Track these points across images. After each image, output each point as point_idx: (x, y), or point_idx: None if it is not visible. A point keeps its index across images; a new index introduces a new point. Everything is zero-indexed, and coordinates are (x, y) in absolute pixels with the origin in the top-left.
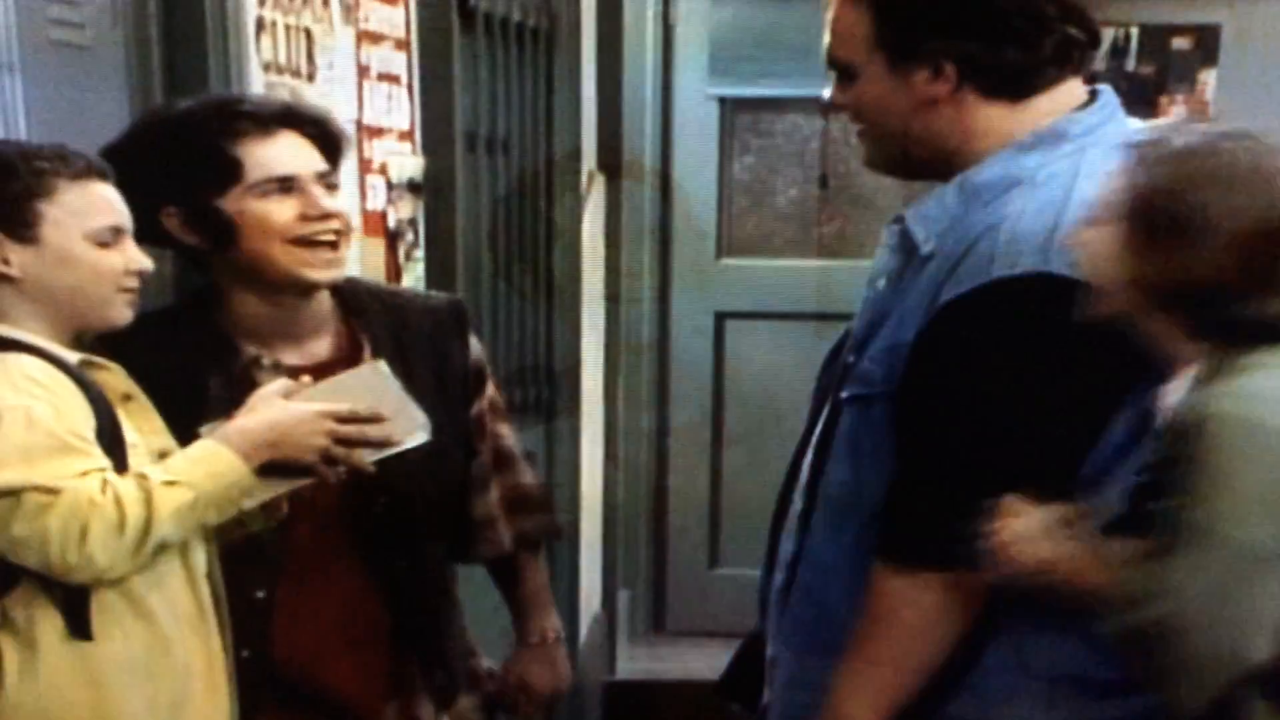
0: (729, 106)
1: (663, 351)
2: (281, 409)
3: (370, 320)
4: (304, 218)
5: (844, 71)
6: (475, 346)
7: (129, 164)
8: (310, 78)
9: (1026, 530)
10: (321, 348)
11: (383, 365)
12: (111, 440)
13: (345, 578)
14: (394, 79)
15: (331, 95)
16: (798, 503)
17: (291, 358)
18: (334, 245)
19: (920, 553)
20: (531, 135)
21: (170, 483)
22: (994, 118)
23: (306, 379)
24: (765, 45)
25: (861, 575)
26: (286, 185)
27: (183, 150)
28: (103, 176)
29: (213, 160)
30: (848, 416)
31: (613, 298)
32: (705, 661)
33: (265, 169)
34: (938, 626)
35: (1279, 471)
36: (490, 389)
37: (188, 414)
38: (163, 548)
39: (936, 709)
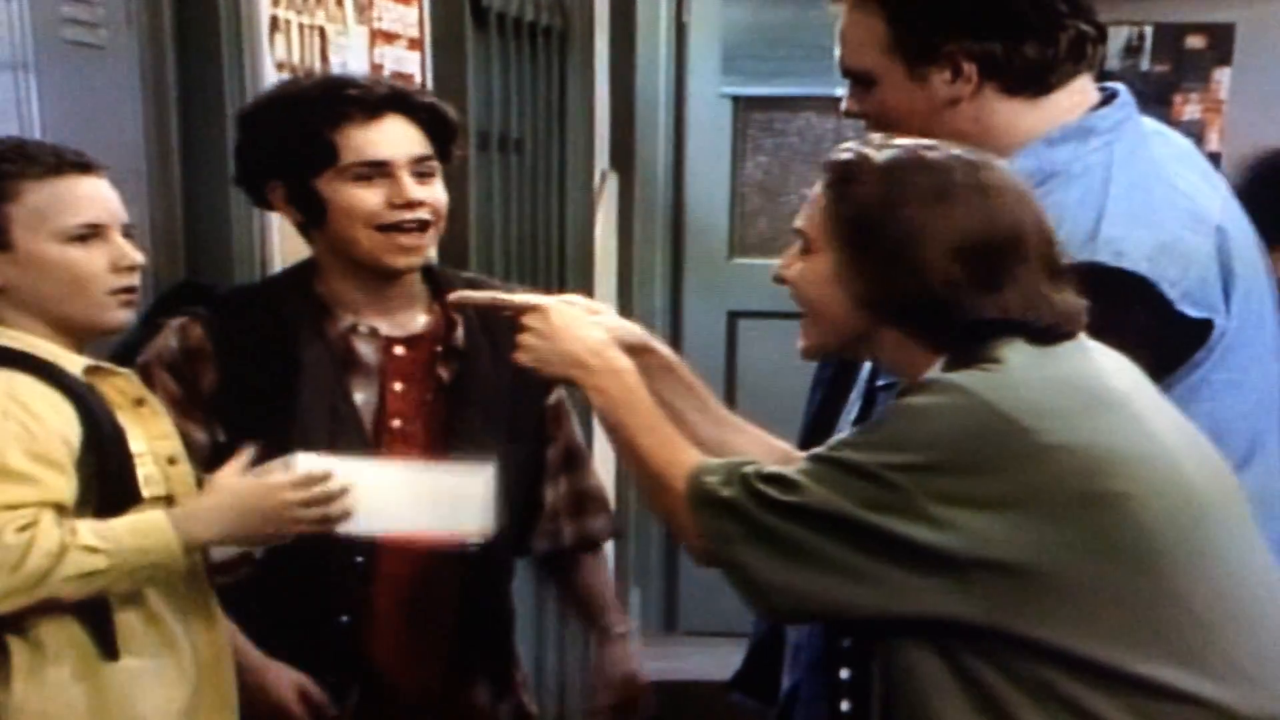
0: (742, 105)
1: (675, 351)
2: (236, 490)
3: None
4: (390, 205)
5: (860, 79)
6: None
7: (247, 135)
8: None
9: (561, 325)
10: (416, 322)
11: (490, 469)
12: (114, 448)
13: (427, 556)
14: (407, 78)
15: None
16: None
17: (386, 328)
18: (419, 232)
19: None
20: (544, 134)
21: (92, 549)
22: (1017, 114)
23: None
24: (778, 44)
25: None
26: (378, 170)
27: (287, 130)
28: (79, 169)
29: (312, 142)
30: (882, 403)
31: (625, 297)
32: (717, 661)
33: (358, 153)
34: None
35: (981, 444)
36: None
37: (285, 377)
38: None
39: None
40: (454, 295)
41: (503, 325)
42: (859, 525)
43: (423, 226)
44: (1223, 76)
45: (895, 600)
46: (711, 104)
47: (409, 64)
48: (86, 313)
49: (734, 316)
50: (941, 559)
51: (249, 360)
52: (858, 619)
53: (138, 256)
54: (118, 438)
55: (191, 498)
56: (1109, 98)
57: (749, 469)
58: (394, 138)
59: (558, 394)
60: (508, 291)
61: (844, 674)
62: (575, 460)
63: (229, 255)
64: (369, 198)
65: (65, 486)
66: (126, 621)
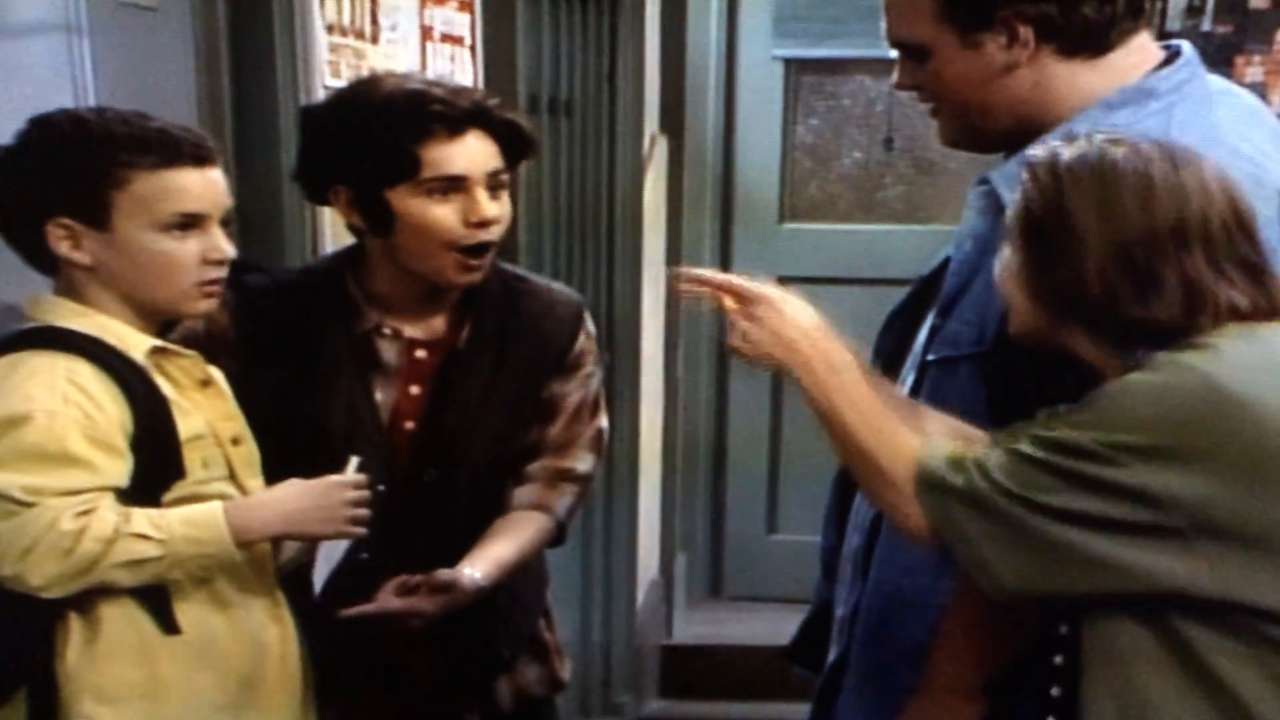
0: (793, 68)
1: (723, 317)
2: (296, 487)
3: (484, 300)
4: (465, 223)
5: (910, 51)
6: (582, 341)
7: (319, 136)
8: (374, 39)
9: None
10: (440, 324)
11: None
12: (158, 440)
13: (435, 494)
14: (457, 40)
15: (394, 57)
16: None
17: (411, 330)
18: (488, 253)
19: None
20: (594, 97)
21: (144, 537)
22: (1075, 76)
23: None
24: (830, 5)
25: None
26: (454, 185)
27: (368, 139)
28: (195, 162)
29: (394, 156)
30: (933, 378)
31: (674, 261)
32: (762, 627)
33: (438, 168)
34: None
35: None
36: (583, 381)
37: (305, 373)
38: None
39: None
40: (677, 272)
41: (518, 321)
42: (1087, 510)
43: (490, 244)
44: None
45: (1125, 580)
46: (763, 66)
47: (459, 26)
48: (170, 300)
49: (783, 282)
50: (1169, 535)
51: (269, 352)
52: (1082, 598)
53: (230, 250)
54: (162, 422)
55: (254, 478)
56: (1171, 56)
57: (975, 456)
58: (473, 154)
59: (563, 388)
60: (542, 285)
61: (1058, 659)
62: (565, 444)
63: (280, 219)
64: (445, 215)
65: (123, 470)
66: (188, 601)
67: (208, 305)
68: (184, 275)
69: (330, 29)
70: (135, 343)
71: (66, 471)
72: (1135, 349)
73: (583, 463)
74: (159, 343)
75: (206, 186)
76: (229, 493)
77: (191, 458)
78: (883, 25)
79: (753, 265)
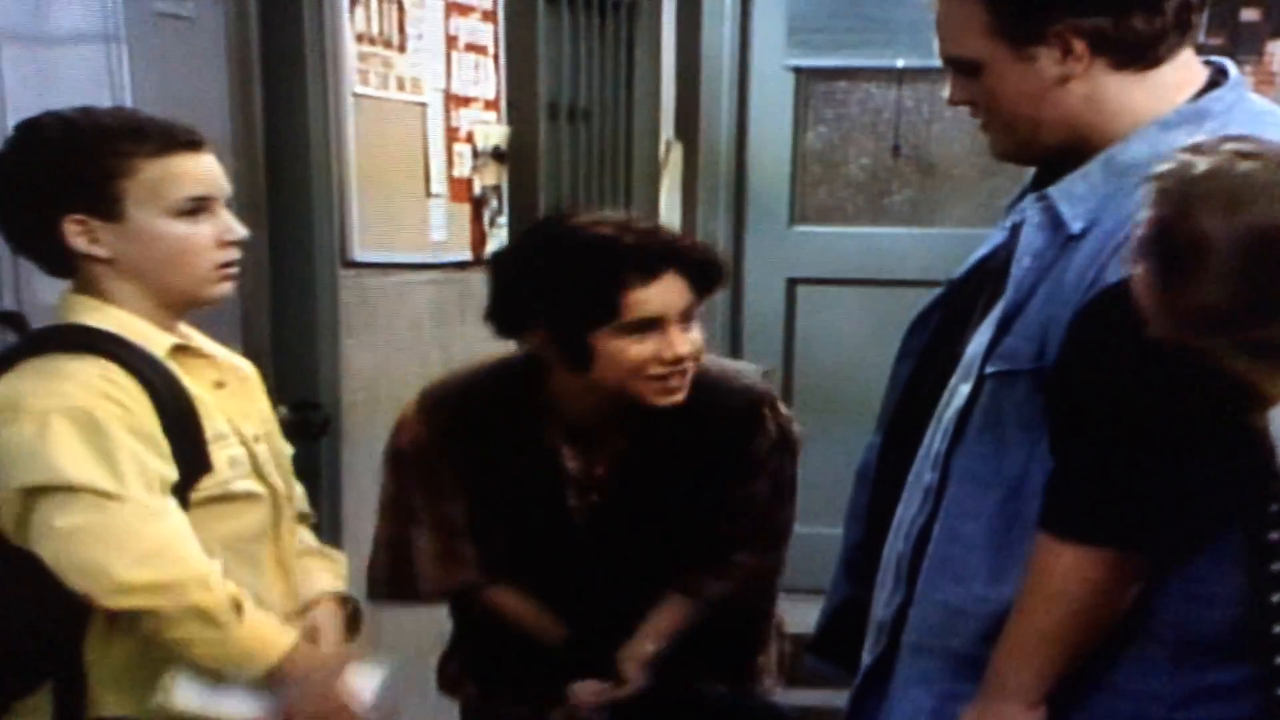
0: (804, 77)
1: (735, 316)
2: (332, 694)
3: (667, 414)
4: (659, 360)
5: (963, 68)
6: (762, 437)
7: (515, 279)
8: (401, 48)
9: None
10: (620, 433)
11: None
12: (185, 437)
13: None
14: (481, 49)
15: (421, 65)
16: (927, 475)
17: (592, 440)
18: (684, 376)
19: (1092, 529)
20: (612, 105)
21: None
22: (1126, 89)
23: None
24: (840, 17)
25: (1001, 549)
26: (650, 325)
27: (569, 287)
28: (190, 147)
29: (595, 303)
30: (990, 391)
31: None
32: None
33: (636, 311)
34: (1106, 601)
35: None
36: (770, 475)
37: (496, 485)
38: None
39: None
40: None
41: (698, 427)
42: None
43: (686, 373)
44: (1276, 49)
45: None
46: (775, 76)
47: (483, 36)
48: (189, 285)
49: (793, 283)
50: None
51: (470, 465)
52: None
53: (241, 230)
54: (189, 419)
55: (276, 474)
56: (1216, 75)
57: None
58: (669, 295)
59: (734, 489)
60: (719, 388)
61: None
62: (753, 537)
63: (310, 221)
64: (639, 351)
65: (171, 466)
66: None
67: (225, 289)
68: (201, 259)
69: (360, 38)
70: (158, 341)
71: (132, 463)
72: (1271, 363)
73: (773, 559)
74: (180, 340)
75: (207, 170)
76: (256, 489)
77: (218, 455)
78: (888, 35)
79: (764, 267)
